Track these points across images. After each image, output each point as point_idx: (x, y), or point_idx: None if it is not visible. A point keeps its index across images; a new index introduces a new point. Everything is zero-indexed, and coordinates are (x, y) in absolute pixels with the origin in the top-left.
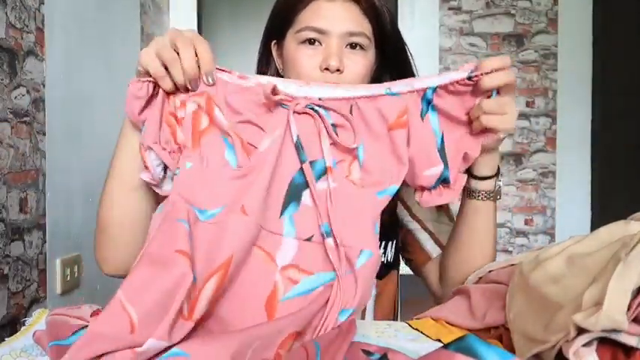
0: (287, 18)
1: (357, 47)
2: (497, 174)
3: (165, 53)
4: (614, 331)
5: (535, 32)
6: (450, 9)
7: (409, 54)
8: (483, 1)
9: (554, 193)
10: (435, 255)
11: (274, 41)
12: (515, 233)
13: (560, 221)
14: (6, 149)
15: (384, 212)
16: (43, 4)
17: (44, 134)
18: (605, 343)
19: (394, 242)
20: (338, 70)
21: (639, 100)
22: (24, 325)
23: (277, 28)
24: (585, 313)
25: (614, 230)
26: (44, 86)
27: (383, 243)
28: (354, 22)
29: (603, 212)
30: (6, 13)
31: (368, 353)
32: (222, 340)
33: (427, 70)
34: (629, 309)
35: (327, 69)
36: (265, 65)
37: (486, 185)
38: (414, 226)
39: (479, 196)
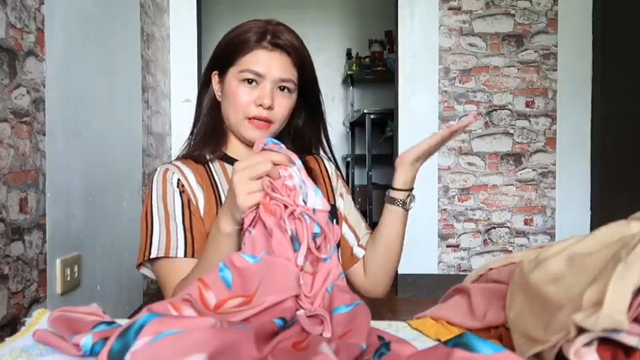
0: (231, 57)
1: (285, 90)
2: (412, 189)
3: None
4: (615, 330)
5: (535, 32)
6: (449, 9)
7: (320, 95)
8: (483, 1)
9: (554, 193)
10: (361, 256)
11: (216, 72)
12: (515, 233)
13: (560, 221)
14: (6, 149)
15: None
16: (43, 4)
17: (44, 134)
18: (606, 343)
19: (334, 221)
20: (269, 107)
21: (639, 100)
22: (24, 325)
23: (221, 63)
24: (585, 313)
25: (614, 230)
26: (44, 86)
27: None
28: (286, 70)
29: (603, 212)
30: (6, 13)
31: (381, 339)
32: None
33: (427, 71)
34: (629, 309)
35: (260, 105)
36: (204, 88)
37: (401, 195)
38: (344, 229)
39: (395, 202)
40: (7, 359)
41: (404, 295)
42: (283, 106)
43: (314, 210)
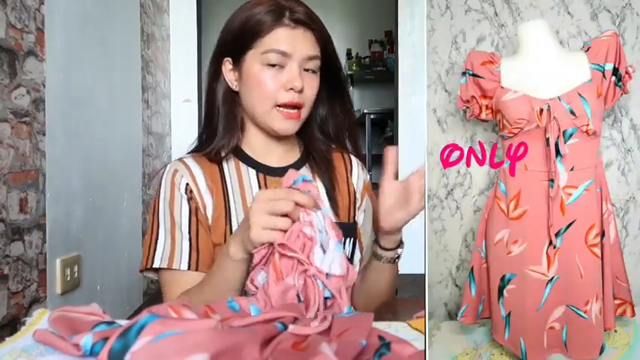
0: (247, 40)
1: (310, 71)
2: (399, 246)
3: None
4: None
5: None
6: None
7: (344, 76)
8: None
9: None
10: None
11: (227, 59)
12: None
13: None
14: (6, 149)
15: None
16: (43, 4)
17: (44, 134)
18: None
19: (352, 239)
20: (300, 90)
21: None
22: (24, 325)
23: (234, 49)
24: None
25: None
26: (44, 86)
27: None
28: (312, 47)
29: None
30: (6, 13)
31: (382, 339)
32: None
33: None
34: None
35: (291, 89)
36: (214, 80)
37: (389, 254)
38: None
39: (382, 259)
40: (7, 359)
41: (404, 295)
42: (312, 87)
43: (327, 275)
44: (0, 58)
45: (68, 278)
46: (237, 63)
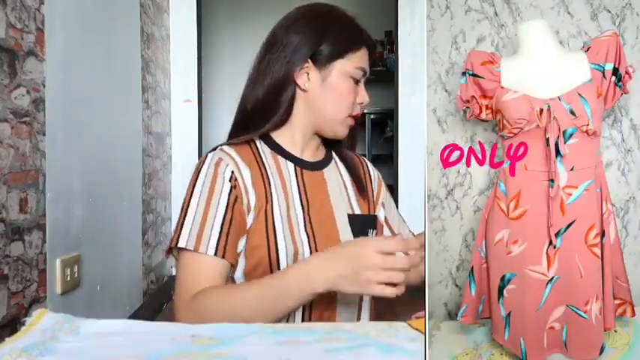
0: (342, 50)
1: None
2: None
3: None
4: None
5: None
6: None
7: None
8: None
9: None
10: None
11: (310, 58)
12: None
13: None
14: (6, 149)
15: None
16: (43, 4)
17: (44, 134)
18: None
19: (374, 231)
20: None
21: None
22: (24, 325)
23: (325, 52)
24: None
25: None
26: (44, 86)
27: (369, 231)
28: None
29: None
30: (6, 13)
31: None
32: None
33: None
34: None
35: (360, 103)
36: (292, 71)
37: None
38: (387, 232)
39: None
40: (7, 359)
41: (404, 295)
42: None
43: None
44: (0, 58)
45: (68, 278)
46: (321, 65)
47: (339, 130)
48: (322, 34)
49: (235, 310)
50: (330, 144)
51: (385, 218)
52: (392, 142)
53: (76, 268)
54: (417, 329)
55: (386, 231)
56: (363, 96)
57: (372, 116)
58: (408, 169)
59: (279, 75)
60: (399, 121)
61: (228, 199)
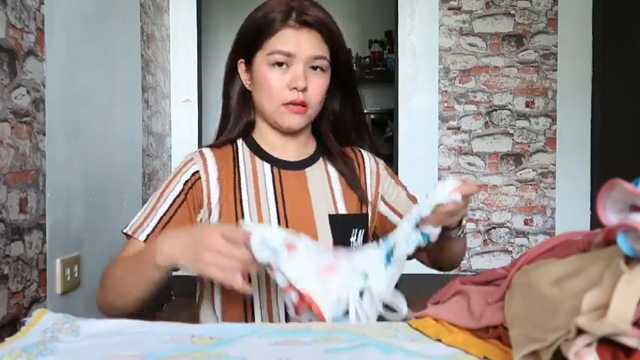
0: (257, 41)
1: (318, 69)
2: (460, 223)
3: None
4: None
5: (535, 32)
6: (449, 9)
7: (354, 71)
8: (483, 1)
9: (553, 193)
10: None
11: (241, 60)
12: (515, 233)
13: (560, 221)
14: (6, 149)
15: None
16: (43, 4)
17: (44, 134)
18: (605, 343)
19: (363, 230)
20: (304, 89)
21: (639, 100)
22: (24, 325)
23: (245, 49)
24: (588, 317)
25: None
26: (44, 86)
27: (353, 231)
28: (316, 47)
29: None
30: (6, 13)
31: None
32: None
33: (427, 71)
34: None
35: (294, 88)
36: (231, 81)
37: (451, 232)
38: (395, 219)
39: (449, 236)
40: (7, 359)
41: (404, 295)
42: (318, 85)
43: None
44: (0, 58)
45: (68, 278)
46: (249, 63)
47: (281, 120)
48: (240, 31)
49: (117, 274)
50: (318, 139)
51: (392, 207)
52: (392, 142)
53: (76, 268)
54: (417, 329)
55: (394, 220)
56: (295, 79)
57: (372, 116)
58: (408, 169)
59: (225, 79)
60: (399, 121)
61: (180, 193)
